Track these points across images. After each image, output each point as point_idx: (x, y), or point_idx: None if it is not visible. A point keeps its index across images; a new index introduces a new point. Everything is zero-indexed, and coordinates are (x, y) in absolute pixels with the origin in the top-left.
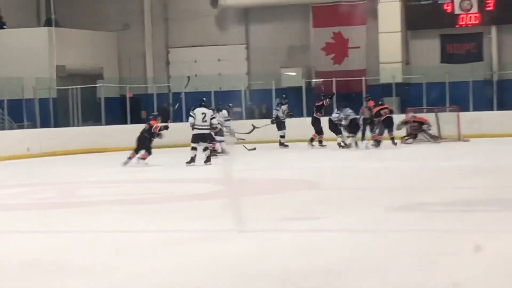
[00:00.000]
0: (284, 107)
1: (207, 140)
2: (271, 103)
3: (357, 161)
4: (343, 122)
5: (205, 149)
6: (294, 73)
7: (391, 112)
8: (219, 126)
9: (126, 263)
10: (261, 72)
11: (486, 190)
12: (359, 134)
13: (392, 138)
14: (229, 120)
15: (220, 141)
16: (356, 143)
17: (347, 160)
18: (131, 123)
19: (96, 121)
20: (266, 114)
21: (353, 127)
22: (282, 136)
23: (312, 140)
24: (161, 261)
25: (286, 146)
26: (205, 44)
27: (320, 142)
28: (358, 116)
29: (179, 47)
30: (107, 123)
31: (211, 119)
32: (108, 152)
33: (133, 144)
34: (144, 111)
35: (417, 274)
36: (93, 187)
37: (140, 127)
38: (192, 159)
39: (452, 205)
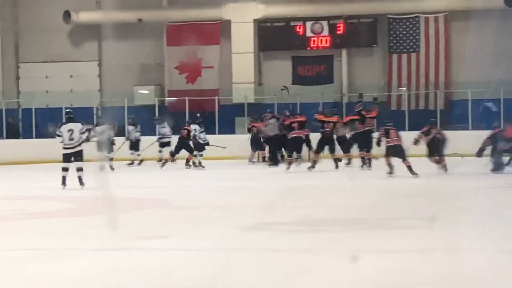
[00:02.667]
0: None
1: (80, 159)
2: (123, 121)
3: (204, 179)
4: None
5: (78, 169)
6: (147, 91)
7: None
8: (93, 139)
9: None
10: (114, 89)
11: (335, 209)
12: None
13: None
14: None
15: (200, 155)
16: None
17: (203, 179)
18: None
19: None
20: (118, 132)
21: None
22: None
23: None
24: (9, 280)
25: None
26: (57, 60)
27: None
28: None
29: (30, 62)
30: None
31: (82, 133)
32: None
33: None
34: None
35: None
36: None
37: None
38: (63, 181)
39: (299, 225)
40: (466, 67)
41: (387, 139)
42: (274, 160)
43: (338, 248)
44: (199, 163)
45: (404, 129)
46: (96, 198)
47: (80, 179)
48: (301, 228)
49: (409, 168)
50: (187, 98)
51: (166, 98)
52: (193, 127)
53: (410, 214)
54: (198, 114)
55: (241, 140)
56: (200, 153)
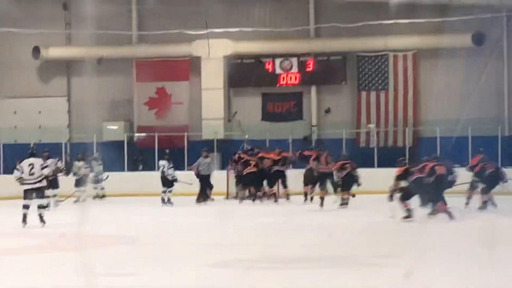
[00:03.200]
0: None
1: (41, 195)
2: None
3: (183, 217)
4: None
5: (39, 207)
6: (116, 127)
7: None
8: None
9: None
10: (83, 125)
11: (304, 247)
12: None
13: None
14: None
15: (169, 191)
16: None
17: (173, 215)
18: None
19: None
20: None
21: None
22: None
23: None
24: None
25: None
26: (26, 96)
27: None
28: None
29: None
30: None
31: (42, 168)
32: None
33: None
34: None
35: None
36: None
37: None
38: (24, 218)
39: (269, 262)
40: (435, 105)
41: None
42: (203, 196)
43: (308, 286)
44: (168, 199)
45: (373, 166)
46: (64, 234)
47: (41, 217)
48: (271, 266)
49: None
50: (156, 134)
51: (135, 134)
52: (161, 163)
53: (379, 251)
54: (167, 151)
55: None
56: (169, 189)
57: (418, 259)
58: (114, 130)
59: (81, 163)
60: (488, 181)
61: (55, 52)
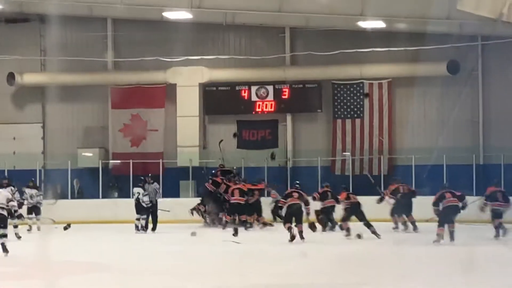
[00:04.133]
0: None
1: (3, 225)
2: (66, 183)
3: (150, 244)
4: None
5: (1, 235)
6: (90, 154)
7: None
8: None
9: None
10: (58, 152)
11: (282, 275)
12: None
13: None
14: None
15: (143, 218)
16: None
17: (148, 242)
18: None
19: None
20: (61, 194)
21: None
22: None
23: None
24: None
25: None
26: (0, 122)
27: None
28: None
29: None
30: None
31: (8, 202)
32: None
33: None
34: None
35: None
36: None
37: None
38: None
39: None
40: (410, 133)
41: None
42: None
43: None
44: (142, 226)
45: None
46: (37, 262)
47: (3, 245)
48: None
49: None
50: (131, 161)
51: (110, 161)
52: (136, 190)
53: (351, 280)
54: (142, 177)
55: (185, 204)
56: (143, 216)
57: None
58: (89, 156)
59: (33, 191)
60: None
61: (30, 78)
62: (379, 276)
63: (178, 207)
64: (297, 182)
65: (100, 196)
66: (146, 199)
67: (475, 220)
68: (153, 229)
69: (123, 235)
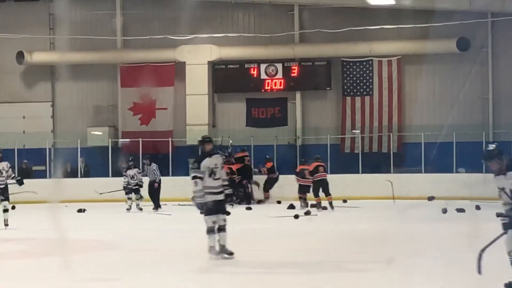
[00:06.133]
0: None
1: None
2: (76, 162)
3: (159, 222)
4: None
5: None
6: (100, 133)
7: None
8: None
9: None
10: (67, 130)
11: (288, 252)
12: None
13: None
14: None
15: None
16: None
17: (156, 221)
18: None
19: None
20: (71, 173)
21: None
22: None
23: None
24: None
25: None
26: (10, 101)
27: None
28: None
29: None
30: None
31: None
32: None
33: None
34: None
35: None
36: None
37: None
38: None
39: (253, 267)
40: (419, 110)
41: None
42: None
43: None
44: (134, 206)
45: (357, 172)
46: (46, 239)
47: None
48: (257, 271)
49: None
50: (140, 139)
51: (120, 140)
52: (132, 172)
53: (363, 257)
54: (131, 158)
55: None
56: (139, 196)
57: (404, 264)
58: (99, 135)
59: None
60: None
61: (39, 57)
62: (390, 254)
63: (187, 186)
64: (318, 155)
65: (110, 174)
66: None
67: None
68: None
69: (132, 214)
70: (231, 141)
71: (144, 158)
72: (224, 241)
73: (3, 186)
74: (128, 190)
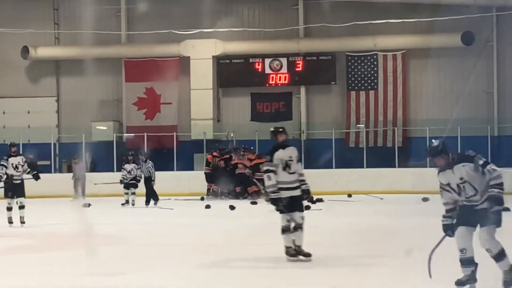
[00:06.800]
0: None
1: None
2: (80, 157)
3: (162, 217)
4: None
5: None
6: (105, 127)
7: None
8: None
9: None
10: (72, 125)
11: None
12: None
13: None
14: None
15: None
16: None
17: (162, 216)
18: None
19: None
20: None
21: None
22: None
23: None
24: None
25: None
26: (15, 96)
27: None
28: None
29: None
30: None
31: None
32: None
33: None
34: None
35: None
36: None
37: None
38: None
39: (260, 262)
40: (424, 105)
41: None
42: (150, 198)
43: (297, 286)
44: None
45: (362, 166)
46: (54, 234)
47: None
48: (262, 265)
49: None
50: (145, 134)
51: (124, 134)
52: (130, 167)
53: (371, 251)
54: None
55: (200, 177)
56: (133, 190)
57: (410, 259)
58: (103, 130)
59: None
60: None
61: (44, 52)
62: (396, 248)
63: (192, 180)
64: None
65: (115, 169)
66: (139, 172)
67: None
68: (146, 202)
69: (137, 209)
70: (231, 134)
71: (140, 154)
72: (300, 242)
73: (19, 181)
74: (125, 184)
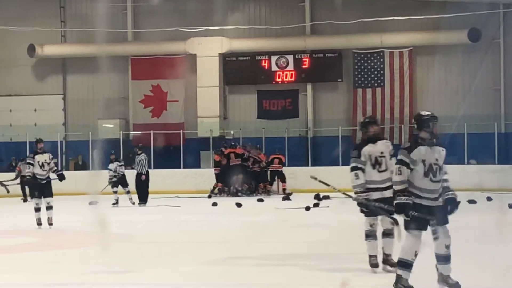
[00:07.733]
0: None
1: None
2: (87, 154)
3: (169, 214)
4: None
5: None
6: (111, 125)
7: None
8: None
9: None
10: (78, 123)
11: (300, 244)
12: None
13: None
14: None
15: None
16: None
17: (168, 214)
18: None
19: None
20: (82, 166)
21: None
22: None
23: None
24: None
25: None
26: (22, 94)
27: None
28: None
29: None
30: None
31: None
32: None
33: None
34: None
35: None
36: None
37: None
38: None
39: (266, 259)
40: (431, 102)
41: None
42: (141, 197)
43: (304, 283)
44: (130, 199)
45: None
46: (61, 232)
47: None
48: (268, 263)
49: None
50: (152, 132)
51: (131, 132)
52: (113, 166)
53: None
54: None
55: (207, 174)
56: (127, 189)
57: (420, 256)
58: (110, 128)
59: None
60: None
61: (50, 50)
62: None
63: (199, 177)
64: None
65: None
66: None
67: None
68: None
69: (144, 207)
70: (233, 132)
71: (136, 147)
72: (389, 250)
73: (46, 181)
74: (112, 183)
